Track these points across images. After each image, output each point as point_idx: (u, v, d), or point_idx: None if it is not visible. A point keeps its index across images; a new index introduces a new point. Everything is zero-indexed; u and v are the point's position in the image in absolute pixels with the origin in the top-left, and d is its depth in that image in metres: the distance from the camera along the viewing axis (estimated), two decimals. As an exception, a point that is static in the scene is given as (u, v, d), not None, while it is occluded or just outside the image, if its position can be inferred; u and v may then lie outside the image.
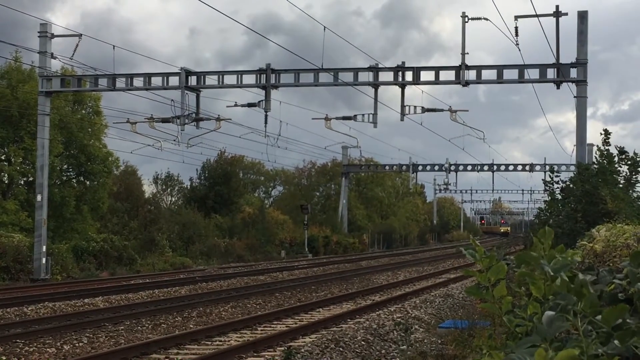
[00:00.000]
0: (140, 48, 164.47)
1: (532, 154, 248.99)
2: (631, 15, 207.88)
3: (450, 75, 31.92)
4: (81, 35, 32.28)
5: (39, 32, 33.20)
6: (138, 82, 33.77)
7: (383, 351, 15.29)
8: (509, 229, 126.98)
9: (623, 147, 24.27)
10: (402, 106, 33.01)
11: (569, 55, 30.80)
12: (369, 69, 32.62)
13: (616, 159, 24.29)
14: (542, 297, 2.51)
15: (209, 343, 16.47)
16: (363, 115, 35.04)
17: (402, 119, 33.08)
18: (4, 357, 14.63)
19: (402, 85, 32.48)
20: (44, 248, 32.88)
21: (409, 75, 32.24)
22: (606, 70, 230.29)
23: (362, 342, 15.73)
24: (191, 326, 19.11)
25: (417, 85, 33.26)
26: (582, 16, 30.52)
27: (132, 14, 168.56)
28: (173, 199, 66.33)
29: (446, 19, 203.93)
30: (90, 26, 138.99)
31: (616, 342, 2.15)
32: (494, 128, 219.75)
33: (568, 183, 25.42)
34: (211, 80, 33.73)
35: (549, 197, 25.84)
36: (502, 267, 2.68)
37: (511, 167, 69.63)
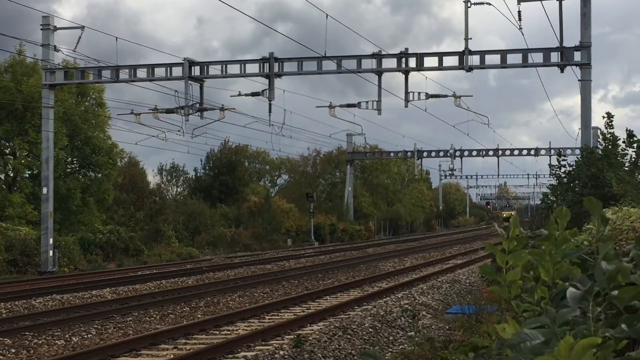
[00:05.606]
0: (147, 39, 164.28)
1: (540, 138, 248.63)
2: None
3: (454, 60, 31.82)
4: (84, 27, 32.27)
5: (41, 24, 33.15)
6: (141, 73, 33.71)
7: (391, 338, 15.32)
8: (512, 213, 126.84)
9: (632, 131, 24.16)
10: (406, 93, 32.97)
11: (576, 38, 30.65)
12: (372, 55, 32.52)
13: (624, 141, 24.19)
14: (550, 281, 2.50)
15: (217, 333, 16.51)
16: (367, 102, 34.96)
17: (406, 106, 33.04)
18: (12, 350, 14.68)
19: (406, 72, 32.39)
20: (51, 241, 32.96)
21: (412, 62, 32.14)
22: (617, 52, 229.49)
23: (370, 329, 15.76)
24: (199, 316, 19.16)
25: (422, 72, 33.19)
26: (585, -2, 30.33)
27: (138, 4, 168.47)
28: (178, 190, 66.46)
29: (456, 3, 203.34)
30: (96, 17, 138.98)
31: (624, 325, 2.15)
32: (503, 112, 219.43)
33: (573, 166, 25.37)
34: (215, 70, 33.65)
35: (557, 181, 25.79)
36: (524, 254, 2.68)
37: (516, 152, 69.51)
